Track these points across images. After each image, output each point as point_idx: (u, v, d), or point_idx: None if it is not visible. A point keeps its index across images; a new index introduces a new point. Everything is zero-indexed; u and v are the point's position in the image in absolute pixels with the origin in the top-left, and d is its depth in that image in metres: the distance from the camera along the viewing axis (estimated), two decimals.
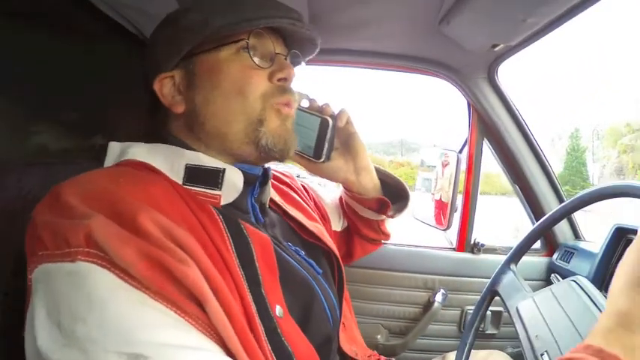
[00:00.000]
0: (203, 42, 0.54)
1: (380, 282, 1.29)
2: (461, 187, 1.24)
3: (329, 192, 0.97)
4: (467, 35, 0.97)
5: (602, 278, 1.04)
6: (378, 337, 1.27)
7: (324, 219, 0.86)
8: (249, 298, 0.46)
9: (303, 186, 0.89)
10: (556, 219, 0.88)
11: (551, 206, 1.25)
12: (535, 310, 0.76)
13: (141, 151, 0.54)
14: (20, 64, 0.57)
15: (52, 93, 0.62)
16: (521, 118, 1.21)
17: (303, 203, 0.78)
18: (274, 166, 0.89)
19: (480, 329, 1.26)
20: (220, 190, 0.54)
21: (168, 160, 0.53)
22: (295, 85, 0.61)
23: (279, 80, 0.57)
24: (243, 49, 0.55)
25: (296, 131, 0.62)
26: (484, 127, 1.25)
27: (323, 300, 0.61)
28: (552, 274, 0.96)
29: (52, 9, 0.61)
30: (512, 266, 0.90)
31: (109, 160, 0.55)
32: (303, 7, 0.89)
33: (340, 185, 0.88)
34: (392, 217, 0.85)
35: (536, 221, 1.25)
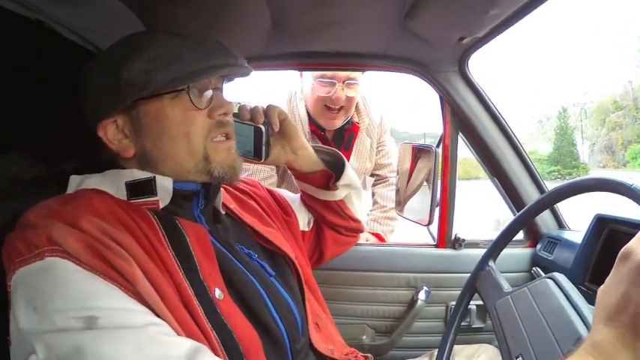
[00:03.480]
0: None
1: (363, 283, 1.28)
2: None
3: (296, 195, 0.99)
4: (432, 30, 0.95)
5: (584, 270, 1.02)
6: (364, 337, 1.27)
7: (290, 216, 0.91)
8: (185, 283, 0.56)
9: (269, 191, 0.93)
10: (532, 213, 0.87)
11: (531, 196, 1.23)
12: (512, 309, 0.75)
13: (93, 181, 0.63)
14: None
15: (25, 119, 0.66)
16: (495, 109, 1.18)
17: (261, 210, 0.84)
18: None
19: (467, 323, 1.27)
20: (157, 195, 0.63)
21: (114, 184, 0.62)
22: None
23: (219, 115, 0.65)
24: (184, 90, 0.61)
25: (235, 140, 0.70)
26: (457, 120, 1.23)
27: (267, 300, 0.67)
28: (533, 268, 0.94)
29: (16, 37, 0.65)
30: (491, 262, 0.88)
31: (69, 191, 0.63)
32: (264, 12, 0.87)
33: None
34: (337, 189, 0.89)
35: (518, 212, 1.23)
